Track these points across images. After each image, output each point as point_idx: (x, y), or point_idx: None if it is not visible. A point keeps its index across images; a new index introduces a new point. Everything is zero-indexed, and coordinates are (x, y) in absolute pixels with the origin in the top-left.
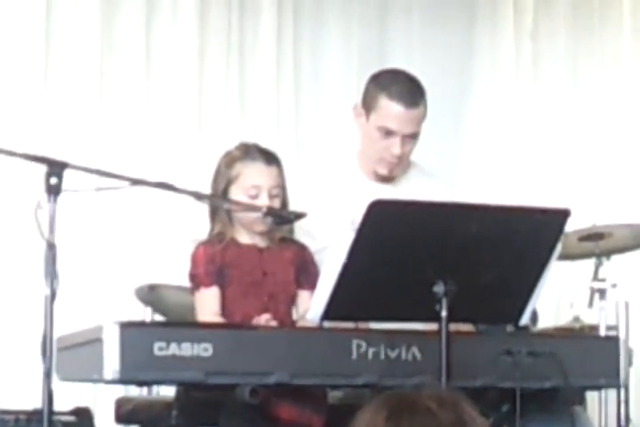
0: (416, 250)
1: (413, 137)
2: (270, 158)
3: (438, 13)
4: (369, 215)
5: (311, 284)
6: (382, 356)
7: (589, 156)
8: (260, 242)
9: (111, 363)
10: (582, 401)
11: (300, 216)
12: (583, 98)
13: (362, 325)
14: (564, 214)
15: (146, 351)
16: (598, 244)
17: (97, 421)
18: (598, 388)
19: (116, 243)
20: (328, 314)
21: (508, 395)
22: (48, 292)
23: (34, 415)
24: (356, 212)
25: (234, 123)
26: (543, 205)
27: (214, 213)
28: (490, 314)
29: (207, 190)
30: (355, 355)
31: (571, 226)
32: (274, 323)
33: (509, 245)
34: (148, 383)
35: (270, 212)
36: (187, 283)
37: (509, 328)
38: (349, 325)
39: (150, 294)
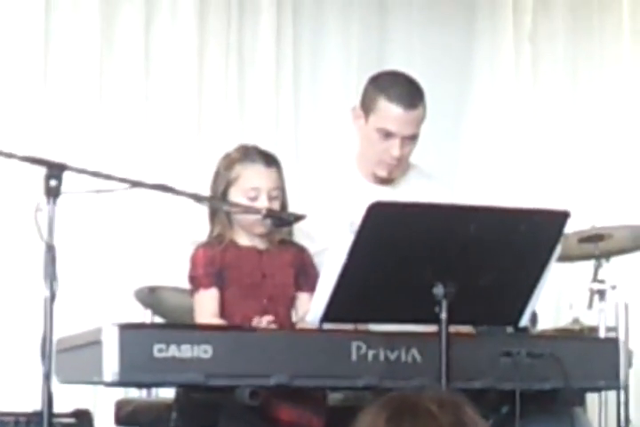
0: (415, 252)
1: (413, 139)
2: (270, 160)
3: (438, 15)
4: (368, 217)
5: (310, 286)
6: (382, 358)
7: (589, 157)
8: (260, 244)
9: (111, 365)
10: (582, 403)
11: (299, 218)
12: (582, 99)
13: (361, 327)
14: (563, 216)
15: (145, 353)
16: (598, 245)
17: (97, 423)
18: (598, 389)
19: (115, 245)
20: (328, 316)
21: (508, 397)
22: (47, 294)
23: (33, 417)
24: (355, 214)
25: (233, 124)
26: (543, 207)
27: (214, 215)
28: (489, 316)
29: (206, 192)
30: (354, 357)
31: (570, 227)
32: (274, 326)
33: (509, 247)
34: (148, 385)
35: (270, 214)
36: (186, 285)
37: (509, 330)
38: (349, 327)
39: (150, 296)
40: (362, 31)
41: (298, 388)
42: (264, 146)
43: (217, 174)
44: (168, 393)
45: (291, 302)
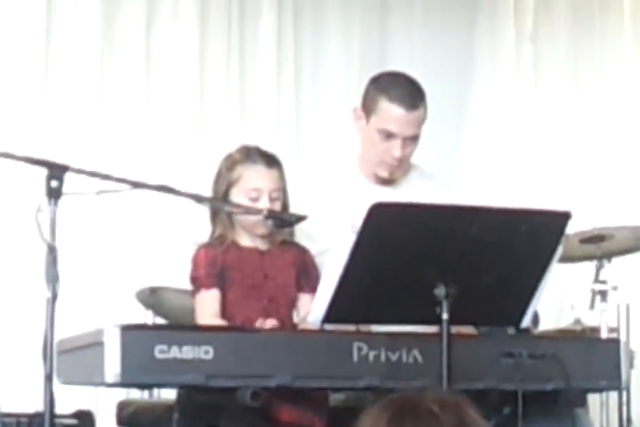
0: (417, 252)
1: (414, 139)
2: (271, 161)
3: (439, 16)
4: (370, 218)
5: (312, 287)
6: (383, 358)
7: (590, 158)
8: (261, 245)
9: (112, 366)
10: (584, 403)
11: (300, 219)
12: (583, 100)
13: (363, 327)
14: (565, 217)
15: (147, 354)
16: (599, 246)
17: (98, 424)
18: (600, 390)
19: (117, 246)
20: (329, 317)
21: (510, 397)
22: (49, 295)
23: (35, 418)
24: (356, 214)
25: (234, 125)
26: (544, 208)
27: (215, 216)
28: (491, 316)
29: (208, 193)
30: (356, 358)
31: (572, 228)
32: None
33: (510, 248)
34: (150, 386)
35: (271, 214)
36: (188, 286)
37: (510, 331)
38: (350, 327)
39: (151, 297)
40: (363, 32)
41: (299, 389)
42: (265, 147)
43: (218, 175)
44: (169, 394)
45: (292, 303)
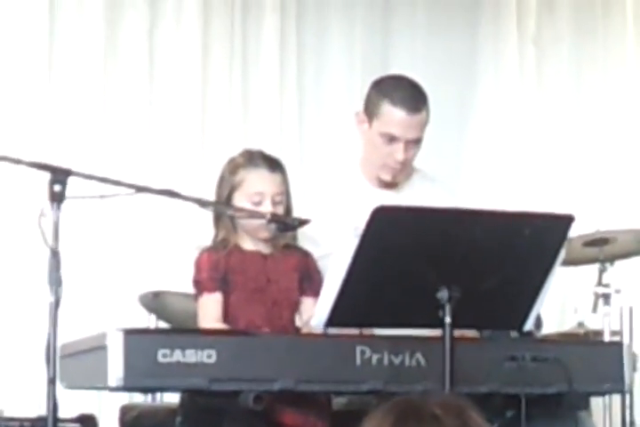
0: (419, 256)
1: (416, 143)
2: (274, 165)
3: (441, 19)
4: (372, 221)
5: (315, 290)
6: (386, 362)
7: (593, 161)
8: (264, 249)
9: (115, 370)
10: (587, 406)
11: (303, 223)
12: (586, 103)
13: (366, 331)
14: (567, 220)
15: (150, 358)
16: (602, 249)
17: None
18: (603, 393)
19: (120, 250)
20: (332, 320)
21: (513, 401)
22: (52, 299)
23: (38, 423)
24: (359, 218)
25: (237, 128)
26: (547, 211)
27: (218, 220)
28: (494, 320)
29: (211, 197)
30: (359, 361)
31: (575, 231)
32: None
33: (513, 251)
34: (153, 390)
35: (274, 218)
36: (191, 290)
37: (513, 334)
38: (353, 331)
39: (154, 301)
40: (365, 35)
41: (302, 392)
42: (268, 150)
43: (221, 179)
44: (172, 398)
45: (295, 307)
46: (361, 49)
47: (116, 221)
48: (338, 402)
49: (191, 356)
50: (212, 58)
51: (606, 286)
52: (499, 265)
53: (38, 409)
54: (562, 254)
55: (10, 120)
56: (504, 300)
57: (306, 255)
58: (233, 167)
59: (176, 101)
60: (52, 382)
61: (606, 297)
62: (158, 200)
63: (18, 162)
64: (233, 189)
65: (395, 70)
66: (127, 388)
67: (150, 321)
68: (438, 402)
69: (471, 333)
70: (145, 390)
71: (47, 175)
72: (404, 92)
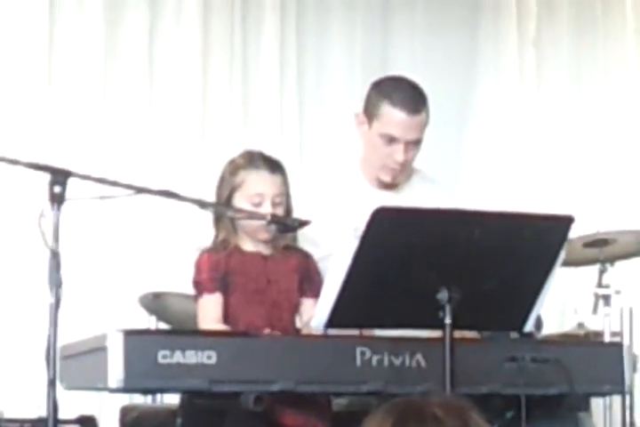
0: (420, 257)
1: (416, 144)
2: (274, 166)
3: (441, 20)
4: (373, 222)
5: (315, 291)
6: (386, 363)
7: (593, 162)
8: (264, 250)
9: (115, 371)
10: (587, 407)
11: (303, 224)
12: (586, 104)
13: (366, 332)
14: (567, 221)
15: (150, 359)
16: (602, 250)
17: None
18: (603, 394)
19: (120, 251)
20: (332, 321)
21: (513, 402)
22: (52, 300)
23: (39, 424)
24: (359, 219)
25: (237, 130)
26: (547, 212)
27: (218, 221)
28: (494, 321)
29: (211, 198)
30: (359, 362)
31: (575, 232)
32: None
33: (513, 252)
34: (153, 391)
35: (274, 220)
36: (191, 291)
37: (514, 335)
38: (353, 332)
39: (154, 302)
40: (365, 36)
41: (302, 393)
42: (268, 151)
43: (221, 180)
44: (173, 399)
45: (295, 308)
46: (361, 50)
47: (116, 223)
48: (338, 403)
49: (191, 357)
50: (212, 58)
51: (606, 286)
52: (499, 266)
53: (38, 410)
54: (562, 255)
55: (10, 121)
56: (504, 301)
57: (306, 256)
58: (233, 168)
59: (176, 103)
60: (52, 383)
61: (606, 298)
62: (158, 201)
63: (18, 163)
64: (233, 190)
65: (395, 71)
66: (127, 389)
67: (150, 322)
68: (439, 403)
69: (471, 334)
70: (145, 392)
71: (47, 176)
72: (404, 94)
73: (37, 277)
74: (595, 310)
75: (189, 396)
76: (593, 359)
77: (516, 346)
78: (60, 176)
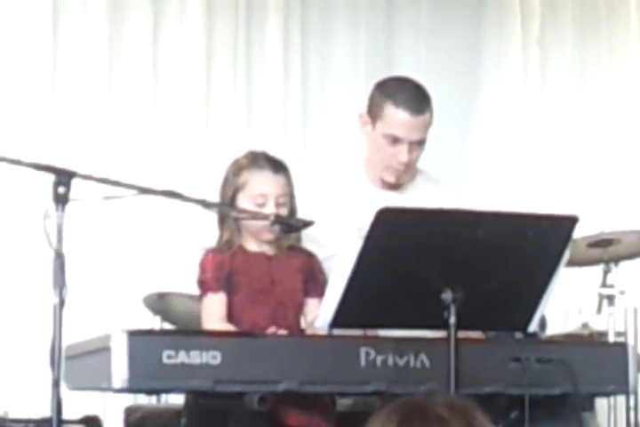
0: (424, 257)
1: (420, 144)
2: (278, 167)
3: (445, 20)
4: (377, 223)
5: (319, 292)
6: (391, 363)
7: (597, 162)
8: (268, 250)
9: (120, 371)
10: (591, 408)
11: (307, 224)
12: (590, 104)
13: (370, 332)
14: (572, 221)
15: (154, 360)
16: (606, 250)
17: None
18: (607, 394)
19: (124, 251)
20: (336, 322)
21: (517, 402)
22: (56, 300)
23: (43, 424)
24: (363, 219)
25: (241, 131)
26: (551, 212)
27: (222, 221)
28: (498, 321)
29: (215, 199)
30: (363, 362)
31: (579, 232)
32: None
33: (517, 252)
34: (157, 392)
35: (278, 220)
36: (195, 291)
37: (518, 335)
38: (358, 332)
39: (159, 303)
40: (369, 37)
41: (306, 394)
42: (272, 151)
43: (225, 181)
44: (177, 399)
45: (299, 308)
46: (365, 51)
47: (121, 223)
48: (342, 403)
49: (196, 357)
50: (215, 59)
51: (611, 286)
52: (503, 266)
53: (43, 411)
54: (566, 255)
55: (14, 122)
56: (508, 301)
57: (310, 256)
58: (237, 169)
59: (180, 104)
60: (56, 383)
61: (611, 298)
62: (162, 202)
63: (22, 164)
64: (237, 191)
65: (399, 72)
66: (132, 389)
67: (155, 323)
68: (443, 403)
69: (476, 334)
70: (149, 392)
71: (51, 177)
72: (408, 94)
73: (42, 278)
74: (599, 311)
75: (194, 396)
76: (597, 359)
77: (520, 346)
78: (64, 177)
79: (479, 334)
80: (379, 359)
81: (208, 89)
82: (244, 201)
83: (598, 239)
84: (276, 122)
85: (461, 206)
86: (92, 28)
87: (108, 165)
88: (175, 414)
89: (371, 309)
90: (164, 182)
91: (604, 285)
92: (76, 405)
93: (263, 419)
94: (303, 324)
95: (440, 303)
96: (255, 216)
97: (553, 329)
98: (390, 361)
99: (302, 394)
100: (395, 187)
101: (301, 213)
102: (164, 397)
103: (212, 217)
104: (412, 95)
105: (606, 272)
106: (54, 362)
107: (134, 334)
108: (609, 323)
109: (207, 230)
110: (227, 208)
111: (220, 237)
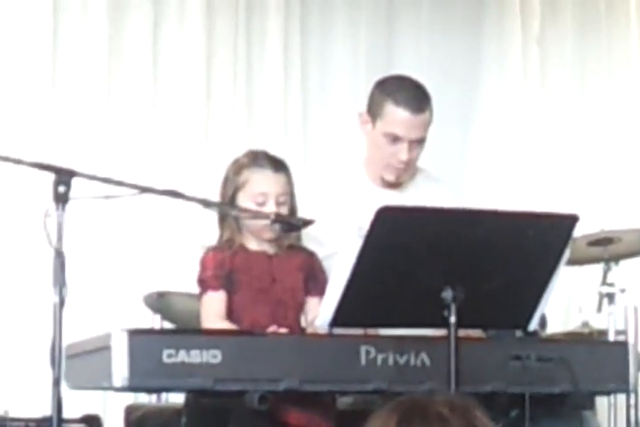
0: (424, 256)
1: (420, 142)
2: (278, 166)
3: (445, 19)
4: (377, 221)
5: (319, 290)
6: (391, 362)
7: (597, 161)
8: (269, 249)
9: (120, 370)
10: (592, 406)
11: (307, 223)
12: (590, 103)
13: (370, 331)
14: (572, 219)
15: (155, 359)
16: (607, 249)
17: None
18: (608, 393)
19: (124, 250)
20: (337, 320)
21: (518, 400)
22: (57, 300)
23: (43, 423)
24: (363, 218)
25: (241, 130)
26: (551, 211)
27: (223, 220)
28: (498, 319)
29: (216, 198)
30: (363, 361)
31: (579, 231)
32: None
33: (518, 251)
34: (157, 390)
35: (278, 219)
36: (195, 290)
37: (518, 333)
38: (358, 331)
39: (159, 302)
40: (369, 36)
41: (307, 392)
42: (272, 150)
43: (226, 180)
44: (177, 398)
45: (300, 307)
46: (365, 50)
47: (121, 222)
48: (343, 402)
49: (196, 356)
50: (215, 58)
51: (611, 285)
52: (503, 265)
53: (43, 410)
54: (566, 254)
55: (14, 121)
56: (509, 299)
57: (310, 255)
58: (237, 168)
59: (180, 103)
60: (56, 382)
61: (611, 297)
62: (162, 201)
63: (22, 163)
64: (237, 190)
65: (399, 71)
66: (132, 388)
67: (155, 321)
68: (443, 401)
69: (476, 332)
70: (150, 391)
71: (51, 176)
72: (408, 93)
73: (42, 277)
74: (599, 309)
75: (194, 395)
76: (597, 358)
77: (520, 345)
78: (64, 176)
79: (479, 333)
80: (379, 358)
81: (208, 89)
82: (245, 200)
83: (598, 238)
84: (276, 121)
85: (461, 205)
86: (92, 28)
87: (108, 164)
88: (175, 412)
89: (371, 307)
90: (164, 182)
91: (604, 283)
92: (77, 404)
93: (263, 418)
94: (303, 323)
95: (440, 302)
96: (255, 215)
97: (553, 328)
98: (391, 360)
99: (303, 393)
100: (395, 185)
101: (301, 212)
102: (164, 396)
103: (212, 216)
104: (412, 94)
105: (606, 271)
106: (54, 361)
107: (134, 333)
108: (609, 321)
109: (207, 230)
110: (227, 207)
111: (221, 236)
